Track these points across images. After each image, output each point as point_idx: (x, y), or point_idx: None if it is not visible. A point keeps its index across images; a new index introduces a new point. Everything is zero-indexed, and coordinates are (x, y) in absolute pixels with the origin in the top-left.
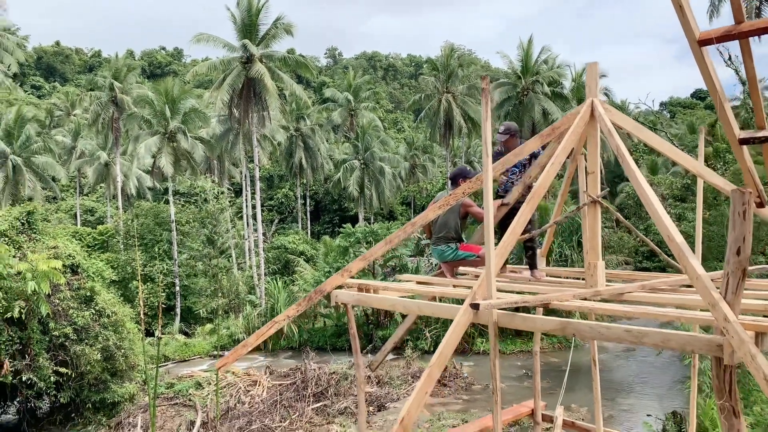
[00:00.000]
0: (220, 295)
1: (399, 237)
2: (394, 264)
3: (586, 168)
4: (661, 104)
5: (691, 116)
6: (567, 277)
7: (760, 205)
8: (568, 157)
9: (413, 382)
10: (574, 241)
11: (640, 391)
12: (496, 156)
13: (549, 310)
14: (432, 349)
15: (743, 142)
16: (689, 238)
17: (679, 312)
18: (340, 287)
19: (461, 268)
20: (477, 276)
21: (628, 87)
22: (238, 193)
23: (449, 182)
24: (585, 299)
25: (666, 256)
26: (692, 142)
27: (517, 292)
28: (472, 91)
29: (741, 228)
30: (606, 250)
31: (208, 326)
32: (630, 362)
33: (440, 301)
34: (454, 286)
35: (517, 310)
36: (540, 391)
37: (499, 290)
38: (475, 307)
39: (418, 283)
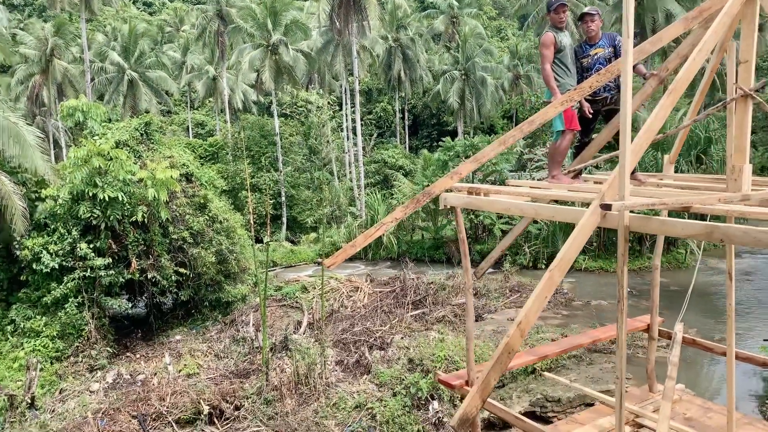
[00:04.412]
0: (324, 205)
1: (514, 137)
2: (494, 179)
3: (737, 56)
4: None
5: None
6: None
7: None
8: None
9: (510, 295)
10: (693, 155)
11: (756, 316)
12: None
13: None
14: (530, 264)
15: None
16: None
17: None
18: (449, 191)
19: (583, 174)
20: (599, 182)
21: None
22: (338, 107)
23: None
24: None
25: None
26: None
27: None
28: None
29: None
30: None
31: (313, 235)
32: (749, 285)
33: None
34: (570, 190)
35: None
36: (657, 306)
37: None
38: (606, 207)
39: (532, 187)
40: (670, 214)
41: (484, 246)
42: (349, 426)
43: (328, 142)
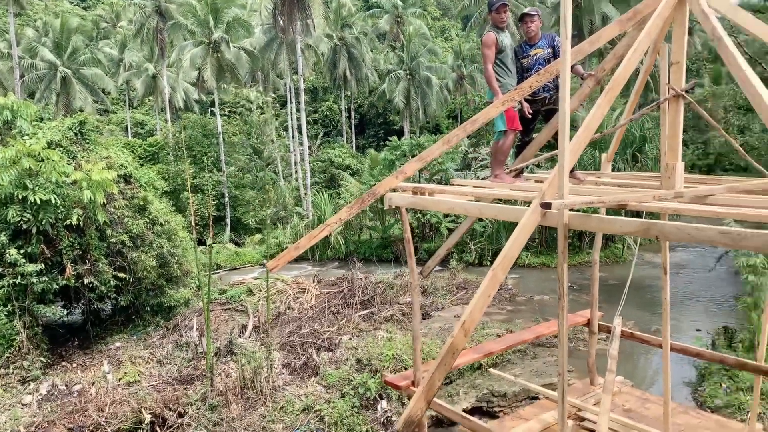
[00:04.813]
0: (268, 205)
1: (458, 136)
2: (439, 178)
3: (669, 58)
4: None
5: None
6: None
7: None
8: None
9: (457, 292)
10: (628, 154)
11: (688, 307)
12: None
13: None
14: (476, 261)
15: None
16: (753, 150)
17: None
18: (394, 190)
19: (525, 173)
20: (540, 180)
21: None
22: (282, 105)
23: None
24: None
25: (754, 161)
26: None
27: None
28: None
29: None
30: None
31: (258, 236)
32: (680, 278)
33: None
34: (512, 189)
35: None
36: (597, 300)
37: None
38: (546, 206)
39: (475, 186)
40: (607, 212)
41: (432, 244)
42: (297, 429)
43: (272, 141)
